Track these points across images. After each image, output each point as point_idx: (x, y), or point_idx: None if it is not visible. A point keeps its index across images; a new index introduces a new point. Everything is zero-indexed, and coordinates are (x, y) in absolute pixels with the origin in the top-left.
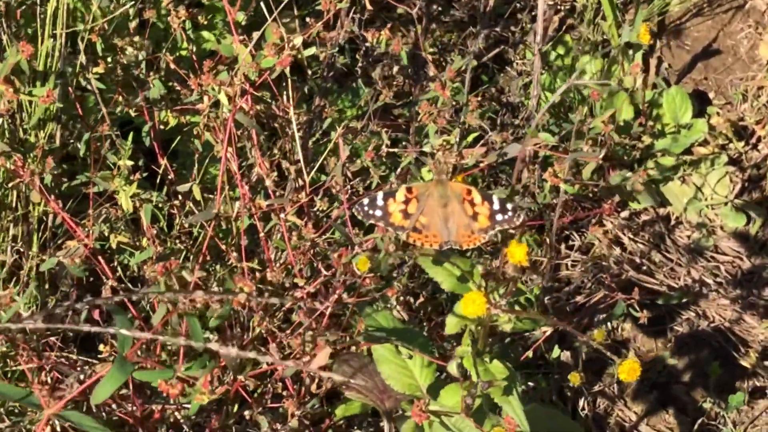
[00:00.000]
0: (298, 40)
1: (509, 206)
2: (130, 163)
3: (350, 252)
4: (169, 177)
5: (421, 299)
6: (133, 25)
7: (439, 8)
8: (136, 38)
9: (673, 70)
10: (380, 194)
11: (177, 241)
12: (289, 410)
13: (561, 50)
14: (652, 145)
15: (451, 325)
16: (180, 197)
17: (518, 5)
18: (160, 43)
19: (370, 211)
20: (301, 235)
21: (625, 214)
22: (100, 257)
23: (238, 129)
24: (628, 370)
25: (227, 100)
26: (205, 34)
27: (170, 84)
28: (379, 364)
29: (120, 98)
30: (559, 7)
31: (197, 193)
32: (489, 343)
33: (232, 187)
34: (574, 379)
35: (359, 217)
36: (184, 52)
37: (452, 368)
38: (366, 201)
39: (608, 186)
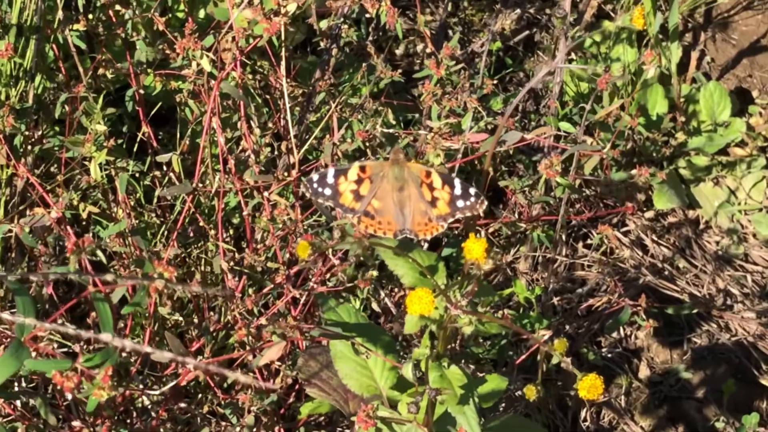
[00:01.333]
0: (291, 6)
1: (472, 191)
2: (102, 128)
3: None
4: (153, 146)
5: (402, 293)
6: None
7: None
8: None
9: (716, 64)
10: (331, 171)
11: (154, 214)
12: (246, 405)
13: (597, 37)
14: (685, 142)
15: (411, 323)
16: (164, 168)
17: None
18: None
19: (320, 189)
20: (273, 217)
21: (650, 214)
22: (69, 227)
23: (226, 99)
24: (588, 387)
25: (214, 67)
26: None
27: (162, 48)
28: (336, 361)
29: (102, 59)
30: None
31: (176, 165)
32: (450, 346)
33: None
34: (530, 393)
35: (307, 195)
36: (180, 15)
37: (407, 371)
38: (315, 177)
39: (609, 183)
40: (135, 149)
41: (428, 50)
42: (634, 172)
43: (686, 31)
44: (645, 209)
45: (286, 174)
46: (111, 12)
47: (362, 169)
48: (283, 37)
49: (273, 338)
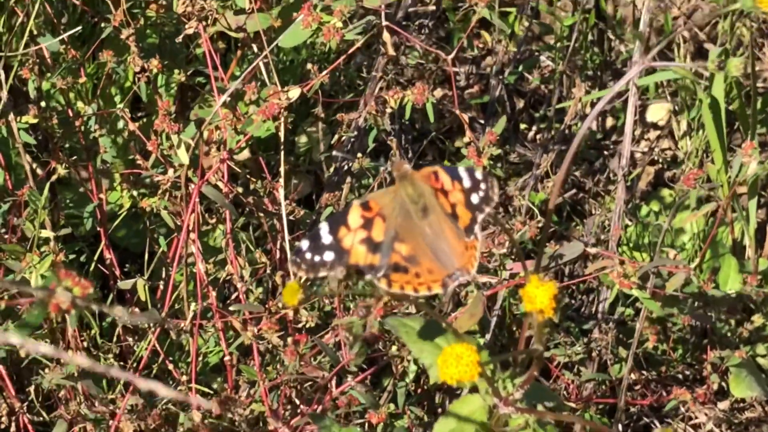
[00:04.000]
0: (294, 93)
1: (478, 174)
2: (48, 233)
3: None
4: (116, 275)
5: None
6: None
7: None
8: (83, 80)
9: None
10: (324, 225)
11: (111, 356)
12: None
13: (655, 206)
14: (763, 326)
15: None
16: (126, 303)
17: (608, 151)
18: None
19: (316, 258)
20: (281, 361)
21: (724, 405)
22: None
23: (209, 212)
24: None
25: (194, 173)
26: None
27: (134, 159)
28: None
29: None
30: (656, 158)
31: (142, 293)
32: None
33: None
34: None
35: (302, 274)
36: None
37: None
38: (305, 245)
39: (709, 301)
40: (91, 275)
41: (466, 139)
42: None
43: (758, 207)
44: (718, 399)
45: (280, 306)
46: (69, 108)
47: (365, 206)
48: (282, 137)
49: None
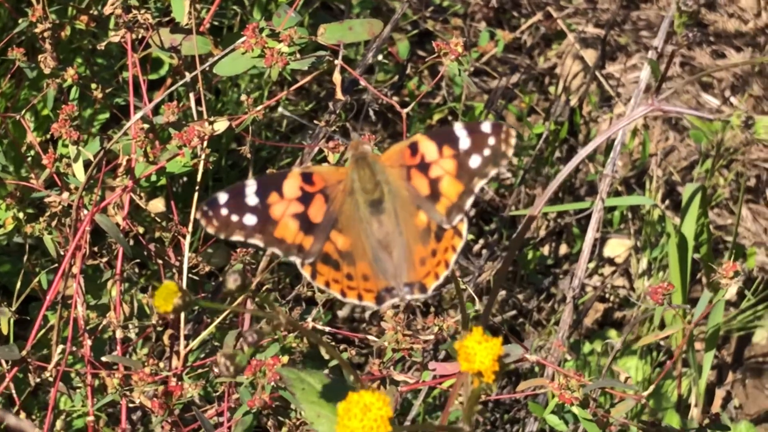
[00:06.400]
0: (221, 125)
1: (485, 127)
2: None
3: None
4: None
5: None
6: None
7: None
8: None
9: (744, 413)
10: (251, 183)
11: None
12: None
13: (599, 346)
14: None
15: None
16: None
17: (557, 278)
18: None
19: (234, 217)
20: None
21: None
22: None
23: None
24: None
25: (90, 200)
26: None
27: (28, 176)
28: None
29: None
30: (607, 295)
31: (5, 325)
32: None
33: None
34: None
35: (211, 231)
36: (66, 149)
37: None
38: (223, 198)
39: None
40: None
41: None
42: None
43: (711, 368)
44: None
45: (162, 366)
46: None
47: (307, 178)
48: (199, 177)
49: None
